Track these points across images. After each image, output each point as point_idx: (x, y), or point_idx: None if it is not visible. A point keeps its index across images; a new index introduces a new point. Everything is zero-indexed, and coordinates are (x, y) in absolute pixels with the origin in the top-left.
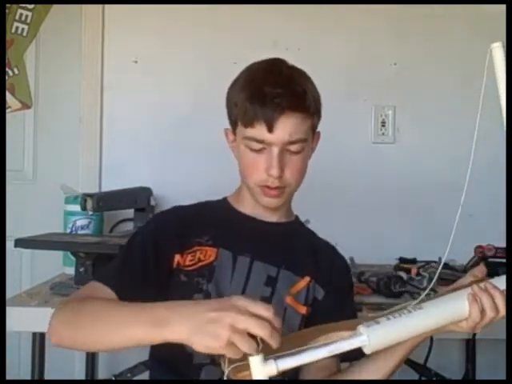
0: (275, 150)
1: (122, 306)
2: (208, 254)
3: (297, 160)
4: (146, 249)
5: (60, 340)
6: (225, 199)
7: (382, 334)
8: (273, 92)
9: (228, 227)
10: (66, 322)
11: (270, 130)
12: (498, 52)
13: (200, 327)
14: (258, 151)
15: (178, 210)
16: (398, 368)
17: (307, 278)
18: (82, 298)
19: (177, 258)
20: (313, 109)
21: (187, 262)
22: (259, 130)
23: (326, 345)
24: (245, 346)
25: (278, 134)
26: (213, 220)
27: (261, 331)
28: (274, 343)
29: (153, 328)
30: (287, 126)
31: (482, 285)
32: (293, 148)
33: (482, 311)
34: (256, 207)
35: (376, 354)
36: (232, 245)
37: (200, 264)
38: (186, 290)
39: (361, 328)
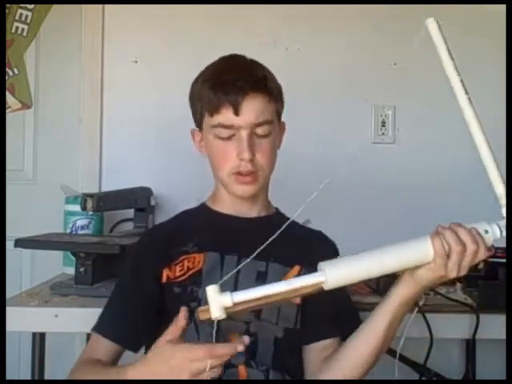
0: (244, 134)
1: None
2: (196, 260)
3: (265, 143)
4: (127, 282)
5: None
6: (203, 204)
7: (340, 269)
8: (234, 77)
9: (211, 230)
10: None
11: (237, 113)
12: (433, 27)
13: None
14: (227, 138)
15: (158, 228)
16: (389, 338)
17: (297, 268)
18: (80, 366)
19: (165, 272)
20: (276, 93)
21: (177, 273)
22: (226, 115)
23: (285, 281)
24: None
25: (245, 116)
26: (195, 227)
27: (207, 367)
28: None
29: None
30: (252, 108)
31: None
32: (260, 131)
33: (448, 246)
34: (235, 204)
35: (360, 327)
36: (218, 246)
37: (190, 272)
38: (181, 301)
39: (320, 264)
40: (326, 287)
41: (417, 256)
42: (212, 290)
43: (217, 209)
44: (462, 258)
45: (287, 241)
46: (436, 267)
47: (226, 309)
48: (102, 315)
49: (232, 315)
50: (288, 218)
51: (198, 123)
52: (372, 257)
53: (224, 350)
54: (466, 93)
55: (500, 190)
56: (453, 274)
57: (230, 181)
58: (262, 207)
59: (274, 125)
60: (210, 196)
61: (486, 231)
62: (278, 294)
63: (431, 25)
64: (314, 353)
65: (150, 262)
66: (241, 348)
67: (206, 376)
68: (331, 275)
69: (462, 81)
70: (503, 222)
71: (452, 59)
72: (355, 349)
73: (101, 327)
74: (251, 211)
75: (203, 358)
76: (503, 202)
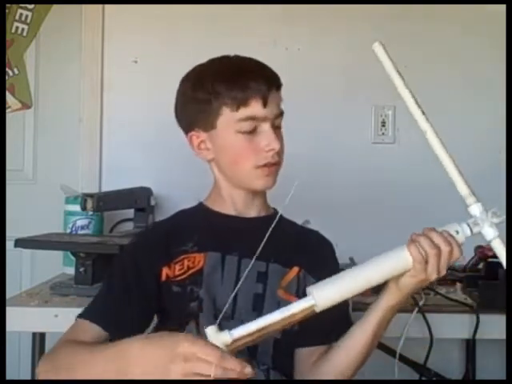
0: (268, 126)
1: (88, 353)
2: (196, 260)
3: (281, 134)
4: (126, 274)
5: None
6: (200, 204)
7: (328, 290)
8: (257, 70)
9: (211, 230)
10: (46, 373)
11: (265, 104)
12: (380, 50)
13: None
14: (251, 133)
15: (158, 225)
16: (376, 340)
17: (296, 269)
18: (62, 345)
19: (164, 270)
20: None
21: (177, 272)
22: (254, 107)
23: (278, 310)
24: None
25: (271, 108)
26: (194, 226)
27: (211, 373)
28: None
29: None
30: (275, 99)
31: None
32: (277, 122)
33: (424, 252)
34: (235, 204)
35: (351, 329)
36: (218, 246)
37: (190, 272)
38: (180, 301)
39: (308, 288)
40: (318, 309)
41: (397, 265)
42: (211, 330)
43: (216, 209)
44: (439, 260)
45: (287, 241)
46: (416, 272)
47: (227, 346)
48: (94, 303)
49: (235, 350)
50: (286, 219)
51: (207, 123)
52: (356, 273)
53: (233, 365)
54: (419, 106)
55: (464, 191)
56: (433, 277)
57: (254, 175)
58: (262, 207)
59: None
60: (208, 196)
61: (457, 231)
62: (274, 323)
63: (377, 48)
64: (305, 356)
65: (150, 259)
66: (249, 371)
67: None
68: (320, 297)
69: (413, 96)
70: (472, 220)
71: (402, 78)
72: (344, 353)
73: (91, 314)
74: (251, 211)
75: (209, 362)
76: (469, 201)
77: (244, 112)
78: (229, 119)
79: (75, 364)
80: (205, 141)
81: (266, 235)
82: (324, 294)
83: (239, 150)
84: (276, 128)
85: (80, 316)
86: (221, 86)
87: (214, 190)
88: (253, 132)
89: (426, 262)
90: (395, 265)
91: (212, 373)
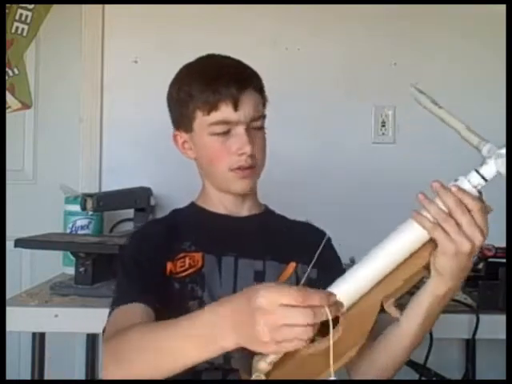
0: (241, 129)
1: (163, 330)
2: (196, 259)
3: (260, 138)
4: (139, 261)
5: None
6: (192, 204)
7: (345, 288)
8: (230, 72)
9: (206, 230)
10: (115, 365)
11: (236, 108)
12: (414, 91)
13: (245, 339)
14: (224, 134)
15: (156, 223)
16: (425, 331)
17: (293, 264)
18: (119, 333)
19: (169, 265)
20: (263, 88)
21: (178, 269)
22: (225, 111)
23: None
24: (292, 337)
25: (244, 111)
26: (190, 226)
27: (302, 320)
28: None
29: (205, 346)
30: (250, 102)
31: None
32: (256, 124)
33: (429, 215)
34: (225, 203)
35: (399, 321)
36: (214, 247)
37: (191, 270)
38: (181, 298)
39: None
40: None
41: (412, 240)
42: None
43: (208, 208)
44: (455, 222)
45: (281, 237)
46: (443, 247)
47: (266, 375)
48: (120, 292)
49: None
50: (277, 214)
51: (186, 125)
52: (368, 261)
53: (318, 299)
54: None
55: (475, 141)
56: (465, 246)
57: (229, 177)
58: (253, 205)
59: (265, 119)
60: (199, 195)
61: (456, 179)
62: None
63: (412, 89)
64: None
65: (155, 251)
66: (334, 300)
67: (292, 345)
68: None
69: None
70: (480, 164)
71: (440, 107)
72: (384, 352)
73: (126, 299)
74: (242, 210)
75: (295, 305)
76: (480, 147)
77: (215, 116)
78: (202, 122)
79: (148, 341)
80: (187, 141)
81: (321, 246)
82: (342, 292)
83: (213, 152)
84: (254, 130)
85: (114, 306)
86: (196, 88)
87: (202, 190)
88: (227, 133)
89: (441, 227)
90: (409, 239)
91: (309, 317)
